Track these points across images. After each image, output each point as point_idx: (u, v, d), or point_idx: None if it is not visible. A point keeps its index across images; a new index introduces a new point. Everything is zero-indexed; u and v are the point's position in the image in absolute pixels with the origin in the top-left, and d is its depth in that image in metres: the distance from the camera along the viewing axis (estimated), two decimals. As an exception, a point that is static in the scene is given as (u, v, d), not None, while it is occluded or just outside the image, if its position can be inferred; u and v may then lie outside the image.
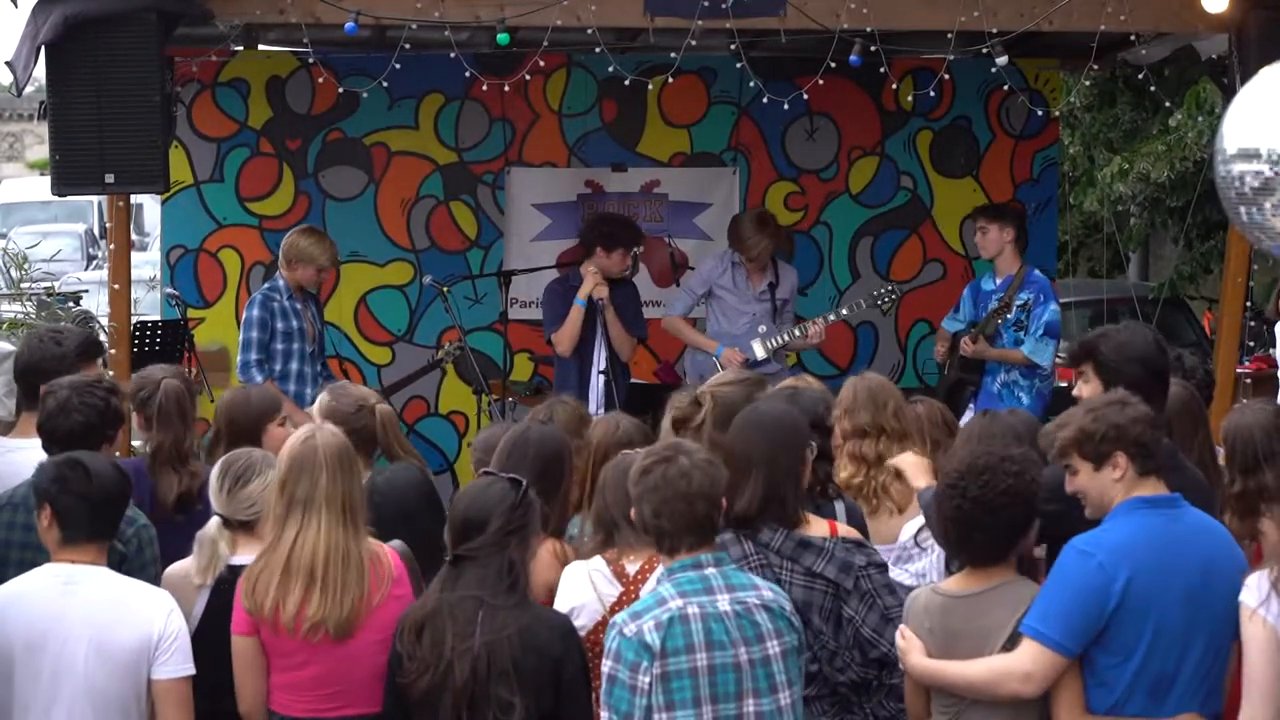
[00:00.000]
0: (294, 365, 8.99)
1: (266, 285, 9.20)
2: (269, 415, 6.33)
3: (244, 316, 9.09)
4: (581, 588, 5.09)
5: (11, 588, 4.94)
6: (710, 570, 4.57)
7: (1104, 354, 5.50)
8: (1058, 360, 9.67)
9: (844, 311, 10.03)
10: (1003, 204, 10.30)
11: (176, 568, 5.41)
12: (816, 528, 5.17)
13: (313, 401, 6.84)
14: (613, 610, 5.02)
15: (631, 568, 5.12)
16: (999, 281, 9.60)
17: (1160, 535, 4.78)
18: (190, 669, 4.90)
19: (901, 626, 4.95)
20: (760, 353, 9.63)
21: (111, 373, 8.45)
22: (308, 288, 9.17)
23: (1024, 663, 4.70)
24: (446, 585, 4.70)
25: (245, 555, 5.28)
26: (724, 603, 4.52)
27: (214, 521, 5.34)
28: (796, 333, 9.70)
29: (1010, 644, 4.75)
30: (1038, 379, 9.38)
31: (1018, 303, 9.40)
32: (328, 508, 4.98)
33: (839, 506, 5.57)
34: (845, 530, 5.22)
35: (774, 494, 5.08)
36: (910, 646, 4.87)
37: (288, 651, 4.98)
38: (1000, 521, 4.77)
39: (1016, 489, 4.75)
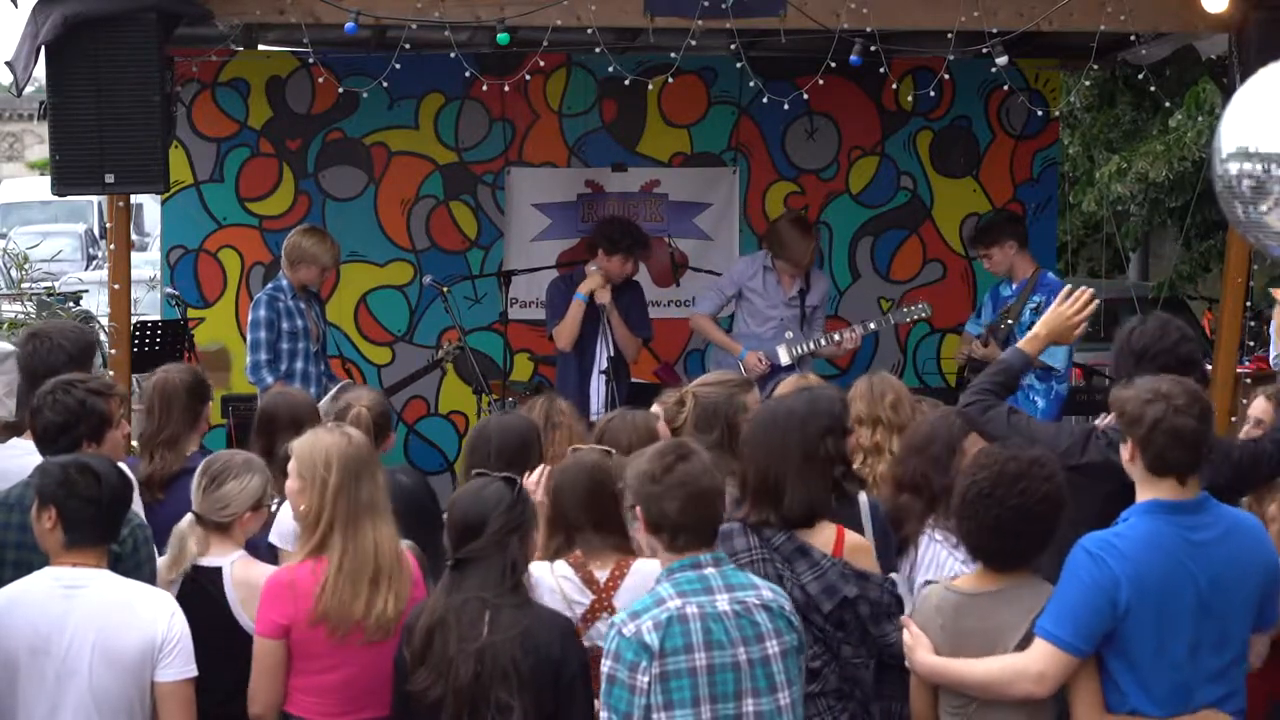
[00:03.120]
0: (299, 365, 8.99)
1: (271, 285, 9.20)
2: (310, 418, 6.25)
3: (250, 317, 9.09)
4: (549, 597, 4.98)
5: (13, 591, 4.92)
6: (709, 570, 4.54)
7: None
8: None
9: (871, 325, 9.91)
10: (990, 221, 10.00)
11: None
12: (821, 536, 5.12)
13: (318, 401, 6.85)
14: (584, 620, 5.01)
15: (601, 574, 5.08)
16: (1015, 286, 9.54)
17: (1170, 541, 4.74)
18: (193, 671, 4.89)
19: (909, 622, 4.90)
20: (785, 358, 9.54)
21: (112, 372, 8.46)
22: (310, 287, 9.19)
23: (1037, 663, 4.68)
24: (450, 589, 4.68)
25: (216, 558, 5.30)
26: (723, 602, 4.50)
27: (187, 518, 5.34)
28: (823, 341, 9.64)
29: (1023, 644, 4.73)
30: (1054, 380, 9.24)
31: (1030, 305, 9.28)
32: (387, 508, 5.06)
33: (862, 499, 5.50)
34: (853, 546, 5.15)
35: (780, 490, 5.07)
36: (917, 643, 4.83)
37: (319, 654, 4.98)
38: (1041, 529, 4.74)
39: (1051, 493, 4.72)
